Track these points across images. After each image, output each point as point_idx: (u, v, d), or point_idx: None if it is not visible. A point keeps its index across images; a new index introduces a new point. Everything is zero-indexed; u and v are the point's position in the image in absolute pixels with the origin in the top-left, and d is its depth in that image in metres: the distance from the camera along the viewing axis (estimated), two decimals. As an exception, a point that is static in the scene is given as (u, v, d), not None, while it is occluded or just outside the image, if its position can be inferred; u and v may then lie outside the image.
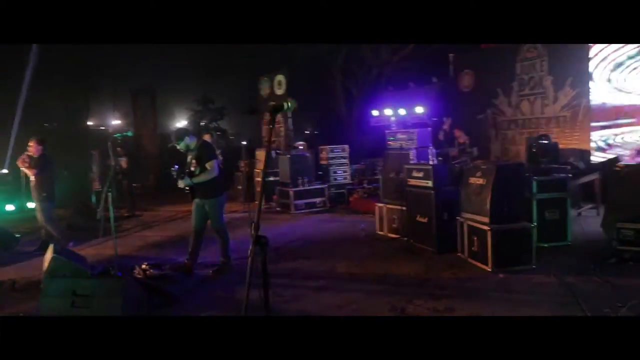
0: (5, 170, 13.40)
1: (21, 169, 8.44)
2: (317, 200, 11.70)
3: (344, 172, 12.95)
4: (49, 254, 5.74)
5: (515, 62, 12.81)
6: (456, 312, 4.90)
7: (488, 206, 6.22)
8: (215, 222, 6.77)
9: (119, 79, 24.05)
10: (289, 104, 2.94)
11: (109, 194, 6.56)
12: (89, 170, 10.77)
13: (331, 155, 12.98)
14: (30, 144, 8.25)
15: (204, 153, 6.73)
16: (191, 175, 6.69)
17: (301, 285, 6.13)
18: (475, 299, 5.26)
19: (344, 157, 13.01)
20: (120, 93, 21.31)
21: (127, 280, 5.24)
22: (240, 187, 13.98)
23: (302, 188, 11.58)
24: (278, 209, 11.99)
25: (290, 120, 29.43)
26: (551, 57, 11.87)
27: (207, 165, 6.62)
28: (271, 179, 12.64)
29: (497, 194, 6.20)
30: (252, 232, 2.77)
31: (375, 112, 16.43)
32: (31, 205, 10.75)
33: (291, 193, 11.48)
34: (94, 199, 11.02)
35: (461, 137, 11.20)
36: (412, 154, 7.63)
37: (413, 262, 6.79)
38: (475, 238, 6.42)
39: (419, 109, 15.07)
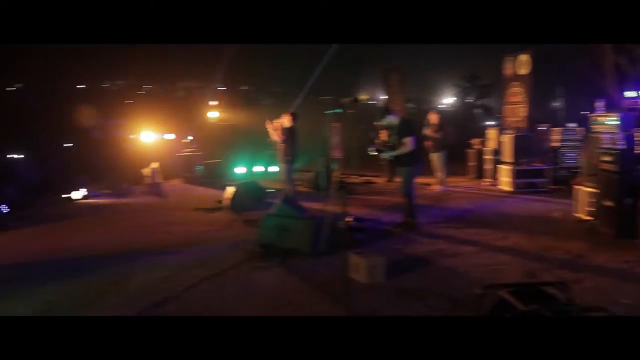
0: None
1: (270, 133, 10.64)
2: (538, 180, 11.95)
3: (577, 154, 12.84)
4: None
5: None
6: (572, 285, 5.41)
7: (661, 193, 6.32)
8: (403, 187, 8.02)
9: (388, 55, 26.13)
10: (361, 97, 3.99)
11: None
12: (331, 140, 12.62)
13: (564, 137, 12.98)
14: (285, 116, 10.44)
15: (403, 129, 7.97)
16: (392, 148, 8.01)
17: (466, 246, 7.14)
18: (601, 277, 5.67)
19: (577, 140, 12.88)
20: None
21: (317, 223, 6.80)
22: (471, 164, 14.80)
23: (523, 167, 11.95)
24: (500, 186, 12.54)
25: (563, 100, 28.33)
26: None
27: (405, 140, 7.86)
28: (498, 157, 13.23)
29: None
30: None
31: (631, 93, 15.56)
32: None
33: (512, 172, 11.95)
34: (333, 165, 12.91)
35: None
36: (605, 138, 7.77)
37: (584, 242, 7.11)
38: (649, 224, 6.55)
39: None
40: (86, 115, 24.15)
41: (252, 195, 10.53)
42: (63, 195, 13.83)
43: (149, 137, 18.59)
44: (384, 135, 8.37)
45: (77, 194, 13.94)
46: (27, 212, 11.93)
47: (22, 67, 23.55)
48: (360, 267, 5.59)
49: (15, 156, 19.05)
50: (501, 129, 14.37)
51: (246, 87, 26.57)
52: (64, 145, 22.33)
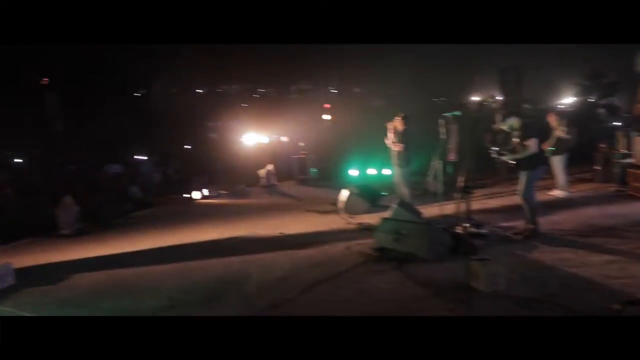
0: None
1: (389, 138, 10.56)
2: (676, 186, 11.00)
3: None
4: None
5: None
6: None
7: None
8: (524, 191, 7.70)
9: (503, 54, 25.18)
10: (487, 99, 3.84)
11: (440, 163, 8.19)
12: (445, 143, 12.37)
13: None
14: (397, 119, 10.34)
15: (525, 131, 7.67)
16: (514, 151, 7.73)
17: (593, 255, 6.67)
18: None
19: None
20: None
21: (435, 228, 6.69)
22: (597, 168, 13.93)
23: (657, 172, 11.07)
24: (631, 192, 11.68)
25: None
26: None
27: (527, 143, 7.56)
28: (629, 160, 12.34)
29: None
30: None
31: None
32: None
33: (643, 176, 11.11)
34: (449, 168, 12.68)
35: None
36: None
37: None
38: None
39: None
40: (204, 118, 25.33)
41: (366, 198, 10.58)
42: (184, 195, 14.57)
43: (263, 139, 19.17)
44: (500, 138, 8.11)
45: (197, 194, 14.62)
46: (150, 210, 12.71)
47: (145, 73, 25.13)
48: (479, 274, 5.42)
49: (140, 157, 20.32)
50: (630, 130, 13.41)
51: (358, 89, 26.67)
52: (184, 147, 23.54)
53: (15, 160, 20.53)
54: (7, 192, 12.45)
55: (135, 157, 20.46)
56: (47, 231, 10.09)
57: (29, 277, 6.94)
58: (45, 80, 20.95)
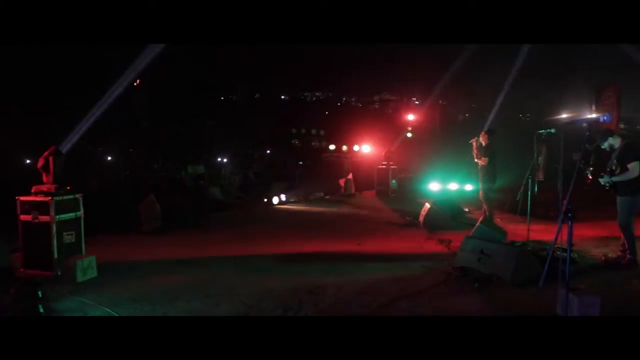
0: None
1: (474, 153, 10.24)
2: None
3: None
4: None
5: None
6: None
7: None
8: (620, 218, 7.12)
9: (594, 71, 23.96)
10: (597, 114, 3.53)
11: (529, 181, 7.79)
12: (536, 161, 11.77)
13: None
14: (481, 133, 10.04)
15: (627, 153, 7.09)
16: (612, 173, 7.17)
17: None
18: None
19: None
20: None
21: (522, 250, 6.31)
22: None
23: None
24: None
25: None
26: None
27: (629, 166, 6.98)
28: None
29: None
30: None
31: None
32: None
33: None
34: (536, 188, 12.09)
35: None
36: None
37: None
38: None
39: None
40: (287, 124, 25.60)
41: (446, 214, 10.23)
42: (263, 199, 14.67)
43: (345, 148, 19.11)
44: (593, 159, 7.58)
45: (276, 199, 14.69)
46: (229, 212, 12.84)
47: (231, 77, 25.70)
48: (571, 304, 5.02)
49: (222, 159, 20.74)
50: None
51: (442, 102, 26.20)
52: (266, 151, 23.86)
53: (108, 158, 21.49)
54: (92, 186, 12.90)
55: (217, 158, 20.93)
56: (130, 227, 10.33)
57: (109, 270, 7.09)
58: (138, 81, 21.78)
